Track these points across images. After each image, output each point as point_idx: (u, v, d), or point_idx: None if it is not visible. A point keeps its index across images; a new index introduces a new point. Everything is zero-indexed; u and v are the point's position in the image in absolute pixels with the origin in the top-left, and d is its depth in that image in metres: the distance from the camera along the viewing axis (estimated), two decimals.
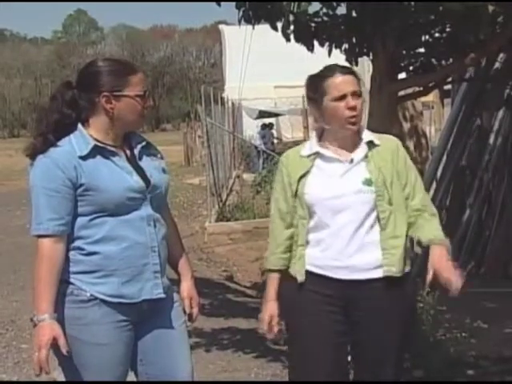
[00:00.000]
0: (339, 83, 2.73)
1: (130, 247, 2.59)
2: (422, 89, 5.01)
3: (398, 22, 4.31)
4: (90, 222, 2.57)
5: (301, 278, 2.79)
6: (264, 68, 21.60)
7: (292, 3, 4.15)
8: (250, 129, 22.09)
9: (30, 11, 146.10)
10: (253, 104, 22.11)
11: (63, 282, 2.56)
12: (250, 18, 4.47)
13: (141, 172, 2.66)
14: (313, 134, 2.90)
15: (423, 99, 8.59)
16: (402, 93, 5.08)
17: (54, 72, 65.50)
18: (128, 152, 2.69)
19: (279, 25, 4.40)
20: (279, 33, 4.46)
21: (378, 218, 2.74)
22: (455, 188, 7.69)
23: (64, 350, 2.48)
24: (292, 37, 4.49)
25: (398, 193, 2.77)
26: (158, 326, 2.70)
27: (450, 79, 5.85)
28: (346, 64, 4.93)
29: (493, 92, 7.34)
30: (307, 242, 2.80)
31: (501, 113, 7.57)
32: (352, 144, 2.81)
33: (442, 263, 2.63)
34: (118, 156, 2.64)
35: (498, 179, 7.53)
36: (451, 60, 4.76)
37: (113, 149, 2.63)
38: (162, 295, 2.66)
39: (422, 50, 4.79)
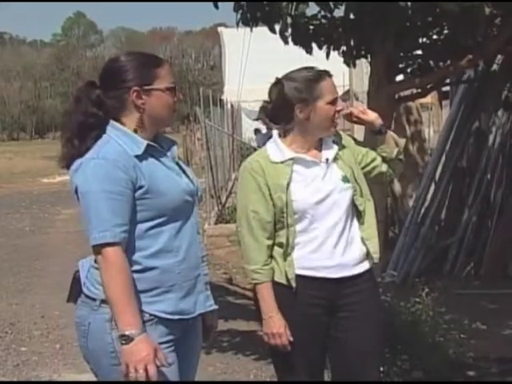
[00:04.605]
0: (332, 87, 2.79)
1: (185, 259, 2.41)
2: (420, 90, 5.02)
3: (396, 24, 4.33)
4: (145, 232, 2.35)
5: (295, 284, 2.77)
6: (263, 70, 21.44)
7: (290, 5, 4.15)
8: (250, 131, 22.07)
9: (30, 14, 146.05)
10: (252, 106, 22.06)
11: None
12: (248, 21, 4.48)
13: (185, 174, 2.49)
14: (276, 139, 2.83)
15: (421, 101, 8.59)
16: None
17: (54, 75, 65.44)
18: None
19: (277, 27, 4.42)
20: (277, 35, 4.48)
21: (356, 212, 2.82)
22: (454, 189, 7.70)
23: (164, 361, 2.29)
24: (290, 39, 4.50)
25: (364, 182, 2.86)
26: (184, 347, 2.47)
27: (447, 81, 5.87)
28: (344, 66, 4.98)
29: (491, 93, 7.35)
30: (294, 247, 2.78)
31: (499, 114, 7.59)
32: (319, 145, 2.85)
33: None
34: (166, 156, 2.45)
35: (497, 180, 7.54)
36: (449, 62, 4.77)
37: (161, 149, 2.44)
38: (215, 306, 2.51)
39: (419, 51, 4.81)
